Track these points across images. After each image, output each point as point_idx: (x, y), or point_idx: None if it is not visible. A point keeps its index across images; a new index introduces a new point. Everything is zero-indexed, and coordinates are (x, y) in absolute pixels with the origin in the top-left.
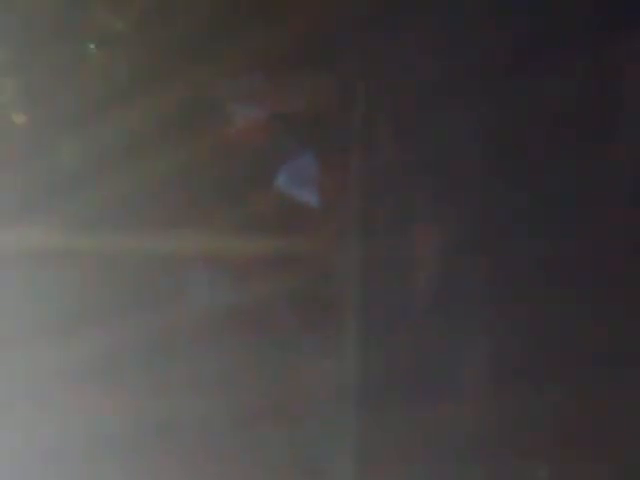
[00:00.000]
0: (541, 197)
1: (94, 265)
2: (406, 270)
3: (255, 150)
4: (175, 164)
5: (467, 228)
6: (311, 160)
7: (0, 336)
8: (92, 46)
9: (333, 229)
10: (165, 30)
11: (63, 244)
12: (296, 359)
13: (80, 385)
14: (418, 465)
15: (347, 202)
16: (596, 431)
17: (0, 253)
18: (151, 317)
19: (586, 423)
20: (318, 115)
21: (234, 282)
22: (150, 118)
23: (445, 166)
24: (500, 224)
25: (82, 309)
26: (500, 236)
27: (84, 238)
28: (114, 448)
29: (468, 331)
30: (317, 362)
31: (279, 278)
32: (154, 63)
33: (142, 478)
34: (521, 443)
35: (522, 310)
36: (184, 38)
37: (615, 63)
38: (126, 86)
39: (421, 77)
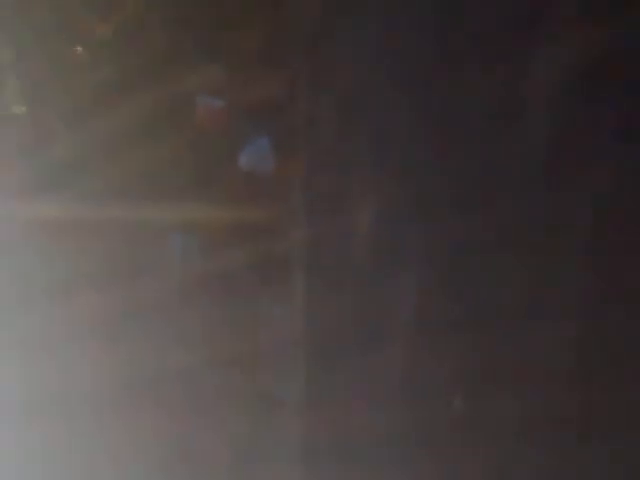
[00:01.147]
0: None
1: (85, 235)
2: (350, 235)
3: (219, 134)
4: (155, 148)
5: (407, 199)
6: (266, 142)
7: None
8: (81, 48)
9: (285, 200)
10: (146, 35)
11: (57, 216)
12: (256, 312)
13: (77, 344)
14: (365, 407)
15: (297, 177)
16: (514, 366)
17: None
18: (131, 282)
19: (504, 356)
20: (272, 105)
21: (204, 247)
22: (133, 111)
23: (385, 149)
24: (441, 194)
25: (72, 276)
26: (438, 205)
27: (74, 210)
28: (109, 400)
29: (409, 283)
30: (274, 314)
31: (241, 243)
32: (137, 64)
33: (128, 427)
34: (442, 378)
35: (459, 261)
36: (161, 42)
37: None
38: (112, 84)
39: (358, 74)
